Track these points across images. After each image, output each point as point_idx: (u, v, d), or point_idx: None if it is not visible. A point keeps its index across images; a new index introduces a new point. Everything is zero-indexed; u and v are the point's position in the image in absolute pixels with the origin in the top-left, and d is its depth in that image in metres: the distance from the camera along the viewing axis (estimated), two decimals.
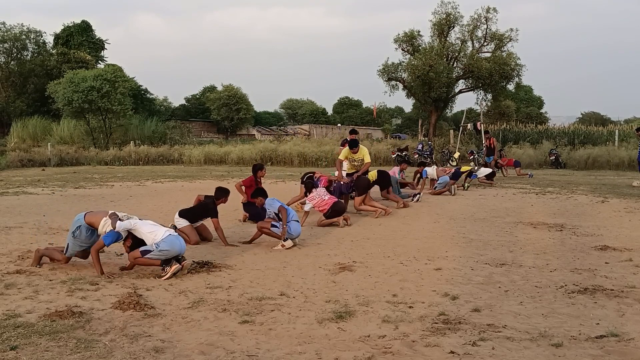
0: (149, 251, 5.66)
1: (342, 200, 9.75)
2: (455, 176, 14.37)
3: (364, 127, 56.59)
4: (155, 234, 5.72)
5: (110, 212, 5.95)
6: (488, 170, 16.38)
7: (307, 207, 9.01)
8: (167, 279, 5.52)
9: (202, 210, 7.58)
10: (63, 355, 3.63)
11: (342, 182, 10.28)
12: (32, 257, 6.17)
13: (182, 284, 5.41)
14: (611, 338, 3.94)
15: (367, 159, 10.66)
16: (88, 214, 6.08)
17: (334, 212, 8.90)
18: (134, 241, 5.81)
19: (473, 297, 4.97)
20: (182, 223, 7.52)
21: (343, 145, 12.72)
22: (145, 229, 5.78)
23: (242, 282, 5.52)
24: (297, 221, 7.47)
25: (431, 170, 14.16)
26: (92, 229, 5.97)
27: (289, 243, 7.15)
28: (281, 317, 4.44)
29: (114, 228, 5.72)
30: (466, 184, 14.60)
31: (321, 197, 9.02)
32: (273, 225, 7.22)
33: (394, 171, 13.37)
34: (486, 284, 5.42)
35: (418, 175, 14.43)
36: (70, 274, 5.69)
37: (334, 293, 5.12)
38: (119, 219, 5.79)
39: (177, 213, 7.68)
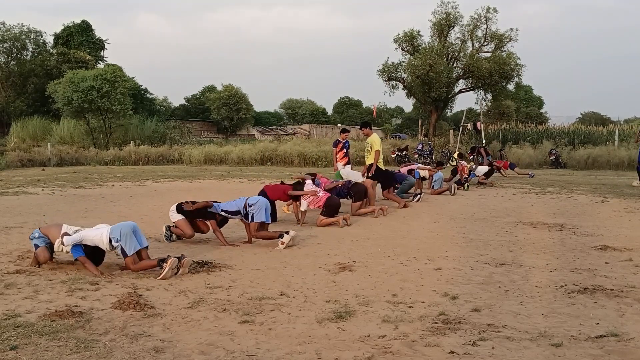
0: (122, 249, 5.75)
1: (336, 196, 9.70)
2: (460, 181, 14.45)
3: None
4: (101, 234, 5.83)
5: (62, 231, 6.03)
6: (486, 168, 16.49)
7: (303, 207, 9.01)
8: (165, 277, 5.52)
9: (199, 213, 7.53)
10: (63, 355, 3.63)
11: (339, 185, 10.24)
12: (32, 257, 6.17)
13: (182, 284, 5.41)
14: (611, 338, 3.94)
15: (376, 147, 10.58)
16: (42, 227, 6.30)
17: (330, 208, 8.90)
18: (87, 250, 5.89)
19: (473, 297, 4.97)
20: (176, 217, 7.49)
21: (336, 146, 12.72)
22: (91, 235, 5.88)
23: (242, 282, 5.53)
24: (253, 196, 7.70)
25: (422, 171, 14.19)
26: (49, 240, 6.09)
27: (286, 238, 7.15)
28: (281, 317, 4.44)
29: (64, 244, 5.83)
30: (466, 184, 14.62)
31: (313, 192, 9.07)
32: (250, 221, 7.31)
33: (404, 170, 13.44)
34: (486, 283, 5.42)
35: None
36: (70, 274, 5.69)
37: (334, 293, 5.12)
38: (67, 234, 5.93)
39: (175, 206, 7.52)
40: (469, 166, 16.23)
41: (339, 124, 58.54)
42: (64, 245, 5.83)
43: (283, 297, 5.00)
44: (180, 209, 7.48)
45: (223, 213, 7.47)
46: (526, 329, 4.12)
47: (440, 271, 5.92)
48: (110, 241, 5.77)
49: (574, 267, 6.08)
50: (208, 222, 7.50)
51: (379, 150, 10.58)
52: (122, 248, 5.75)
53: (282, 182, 9.81)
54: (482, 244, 7.35)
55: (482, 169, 16.43)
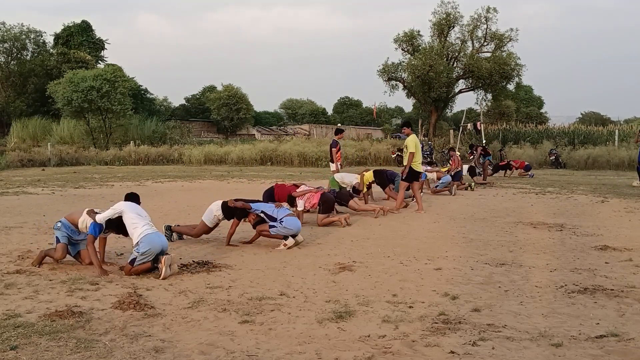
0: (134, 259, 5.70)
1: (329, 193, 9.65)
2: (456, 177, 14.46)
3: (364, 127, 56.61)
4: (135, 226, 5.77)
5: (87, 209, 6.11)
6: (466, 166, 16.69)
7: (299, 207, 9.00)
8: (164, 276, 5.53)
9: (238, 211, 7.41)
10: (63, 355, 3.63)
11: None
12: (35, 257, 6.17)
13: (182, 284, 5.41)
14: (611, 338, 3.94)
15: (410, 149, 10.46)
16: (68, 215, 6.29)
17: (326, 204, 8.92)
18: (115, 222, 5.91)
19: (473, 297, 4.97)
20: (209, 218, 7.42)
21: (335, 146, 12.74)
22: (130, 218, 5.82)
23: (242, 282, 5.52)
24: (293, 215, 7.44)
25: (430, 174, 14.19)
26: (74, 226, 6.11)
27: (290, 241, 7.15)
28: (281, 317, 4.44)
29: (95, 221, 5.83)
30: (472, 184, 14.64)
31: (309, 190, 9.09)
32: (271, 226, 7.21)
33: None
34: (486, 284, 5.42)
35: None
36: (70, 274, 5.69)
37: (334, 293, 5.12)
38: (96, 213, 5.94)
39: (221, 204, 7.39)
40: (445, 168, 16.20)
41: (339, 124, 58.56)
42: (95, 221, 5.82)
43: (283, 297, 5.00)
44: (224, 204, 7.41)
45: (262, 215, 7.34)
46: (526, 329, 4.12)
47: (440, 271, 5.92)
48: (132, 261, 5.70)
49: (574, 267, 6.08)
50: (234, 221, 7.39)
51: (412, 153, 10.41)
52: (136, 260, 5.68)
53: (294, 184, 9.74)
54: (482, 244, 7.35)
55: (464, 167, 16.60)
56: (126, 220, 5.86)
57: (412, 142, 10.52)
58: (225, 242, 7.35)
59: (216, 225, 7.59)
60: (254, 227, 7.41)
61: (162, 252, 5.74)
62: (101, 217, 5.86)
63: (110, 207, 6.00)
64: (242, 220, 7.45)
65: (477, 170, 17.38)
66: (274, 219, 7.24)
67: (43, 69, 38.86)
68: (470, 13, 56.61)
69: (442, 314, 4.46)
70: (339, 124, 58.40)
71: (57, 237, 6.13)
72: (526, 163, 20.07)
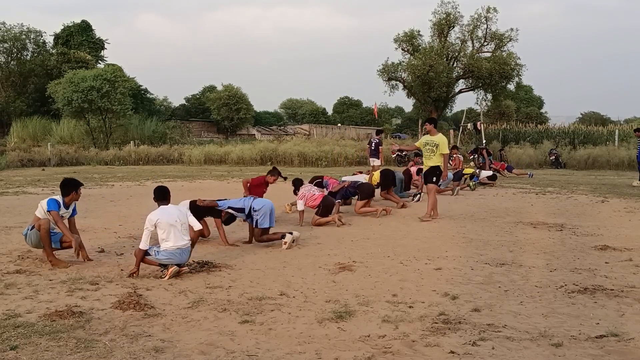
0: (149, 254, 5.69)
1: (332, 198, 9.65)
2: (457, 177, 14.46)
3: (364, 127, 56.68)
4: (164, 240, 5.64)
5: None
6: (489, 173, 16.55)
7: (299, 207, 8.99)
8: (167, 279, 5.53)
9: (207, 210, 7.53)
10: (63, 355, 3.63)
11: (346, 186, 10.16)
12: (46, 257, 6.17)
13: (182, 284, 5.41)
14: (611, 338, 3.94)
15: (444, 150, 9.48)
16: (31, 223, 6.33)
17: (325, 208, 8.94)
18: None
19: (473, 297, 4.97)
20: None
21: (370, 144, 13.46)
22: (160, 231, 5.68)
23: (242, 282, 5.53)
24: (260, 198, 7.65)
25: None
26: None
27: (288, 238, 7.14)
28: (281, 317, 4.44)
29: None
30: (472, 184, 14.63)
31: (311, 192, 9.07)
32: (248, 216, 7.34)
33: (414, 170, 13.68)
34: (486, 283, 5.42)
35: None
36: (70, 274, 5.69)
37: (334, 293, 5.12)
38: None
39: (188, 204, 7.49)
40: (472, 170, 16.12)
41: (339, 124, 58.61)
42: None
43: (283, 297, 5.00)
44: (192, 204, 7.47)
45: (230, 210, 7.43)
46: (526, 329, 4.12)
47: (440, 271, 5.92)
48: (147, 252, 5.66)
49: (574, 267, 6.08)
50: (214, 220, 7.50)
51: (446, 154, 9.64)
52: (150, 256, 5.65)
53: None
54: (482, 244, 7.35)
55: (486, 173, 16.46)
56: (159, 233, 5.71)
57: (445, 142, 9.55)
58: (224, 243, 7.34)
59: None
60: (225, 224, 7.54)
61: (179, 264, 5.70)
62: (144, 244, 5.64)
63: (145, 228, 5.73)
64: (220, 218, 7.53)
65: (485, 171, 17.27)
66: (242, 210, 7.33)
67: (43, 69, 38.84)
68: (470, 13, 56.80)
69: (442, 314, 4.46)
70: (339, 124, 58.53)
71: (31, 228, 6.17)
72: (507, 164, 20.27)
